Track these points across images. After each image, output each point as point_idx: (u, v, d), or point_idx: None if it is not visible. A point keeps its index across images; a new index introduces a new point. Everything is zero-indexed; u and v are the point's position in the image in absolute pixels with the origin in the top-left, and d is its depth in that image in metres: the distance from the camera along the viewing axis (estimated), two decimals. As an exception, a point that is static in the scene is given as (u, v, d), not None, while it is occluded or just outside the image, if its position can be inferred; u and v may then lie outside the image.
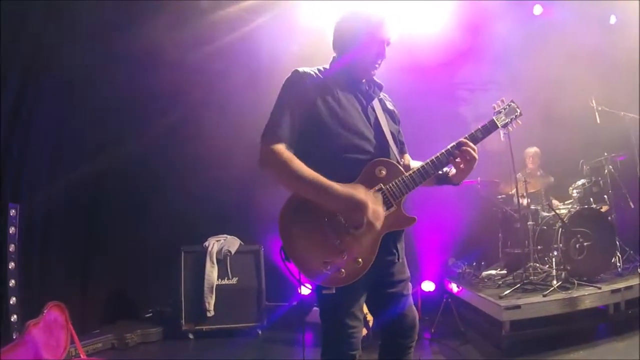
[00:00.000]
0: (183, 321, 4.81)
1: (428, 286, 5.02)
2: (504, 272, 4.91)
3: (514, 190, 5.00)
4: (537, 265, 4.79)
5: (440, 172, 2.08)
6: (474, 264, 5.27)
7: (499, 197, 5.41)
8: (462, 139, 2.02)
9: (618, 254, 4.90)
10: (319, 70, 2.01)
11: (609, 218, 4.88)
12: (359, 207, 1.76)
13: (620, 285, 4.34)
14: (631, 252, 5.19)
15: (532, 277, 4.61)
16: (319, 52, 2.39)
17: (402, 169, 1.98)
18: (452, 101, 6.07)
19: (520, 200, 4.77)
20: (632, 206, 5.17)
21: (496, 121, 2.12)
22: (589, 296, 4.18)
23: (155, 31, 4.64)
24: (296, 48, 5.16)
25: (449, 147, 2.00)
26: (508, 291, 4.26)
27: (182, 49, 4.92)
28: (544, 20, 6.64)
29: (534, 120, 5.57)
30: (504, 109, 2.17)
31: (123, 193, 5.21)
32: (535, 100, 5.65)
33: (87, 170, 4.73)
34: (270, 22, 5.11)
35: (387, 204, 1.89)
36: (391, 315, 2.04)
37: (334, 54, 2.10)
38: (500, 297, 4.16)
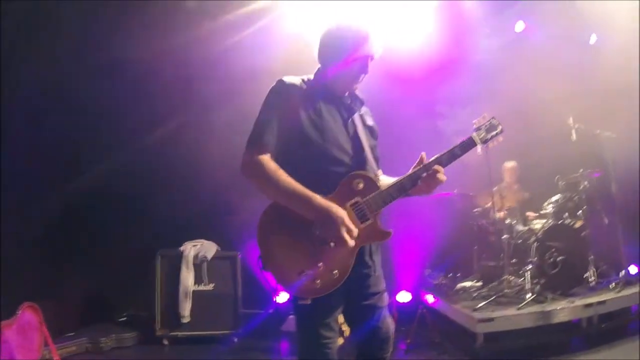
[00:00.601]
0: (158, 326, 4.77)
1: (404, 297, 5.04)
2: (480, 284, 4.98)
3: (490, 204, 5.08)
4: (512, 278, 4.85)
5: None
6: (450, 275, 5.33)
7: (475, 210, 5.50)
8: (435, 163, 2.01)
9: (592, 268, 4.99)
10: (303, 80, 2.05)
11: (583, 234, 4.96)
12: (335, 221, 1.80)
13: (593, 299, 4.41)
14: (605, 267, 5.27)
15: (506, 290, 4.67)
16: (304, 61, 2.39)
17: (379, 182, 2.01)
18: (431, 115, 6.12)
19: (496, 214, 4.86)
20: (606, 222, 5.28)
21: (475, 138, 2.12)
22: (562, 310, 4.25)
23: (137, 39, 4.66)
24: (282, 56, 5.18)
25: (427, 162, 2.02)
26: (482, 303, 4.33)
27: (163, 57, 4.91)
28: (526, 37, 6.79)
29: (512, 136, 5.64)
30: (485, 126, 2.16)
31: (100, 196, 5.15)
32: (513, 116, 5.73)
33: (64, 174, 4.68)
34: (257, 31, 5.12)
35: (363, 217, 1.92)
36: (366, 326, 2.06)
37: (319, 65, 2.13)
38: (475, 310, 4.22)
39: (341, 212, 1.82)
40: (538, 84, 5.98)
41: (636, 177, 5.80)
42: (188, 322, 4.78)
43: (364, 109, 2.23)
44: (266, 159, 1.88)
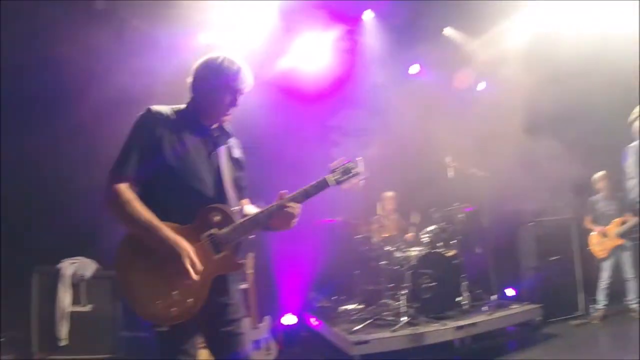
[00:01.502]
0: (34, 349, 4.41)
1: (289, 319, 5.13)
2: (361, 307, 5.19)
3: (370, 231, 5.36)
4: (389, 302, 5.09)
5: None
6: (333, 298, 5.49)
7: (357, 237, 5.70)
8: (290, 200, 2.12)
9: (465, 293, 5.40)
10: (173, 110, 2.13)
11: (455, 261, 5.37)
12: (179, 254, 1.89)
13: (465, 322, 4.76)
14: (477, 291, 5.73)
15: (384, 313, 4.91)
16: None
17: (235, 216, 2.10)
18: (325, 142, 6.33)
19: (377, 242, 5.16)
20: (479, 251, 5.77)
21: (328, 179, 2.22)
22: (434, 332, 4.53)
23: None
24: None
25: (279, 202, 2.12)
26: (359, 326, 4.50)
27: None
28: (419, 78, 7.35)
29: (398, 167, 6.08)
30: (340, 169, 2.27)
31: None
32: (401, 149, 6.19)
33: None
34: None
35: (217, 249, 2.02)
36: (225, 352, 2.13)
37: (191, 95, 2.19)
38: (351, 333, 4.38)
39: (185, 246, 1.91)
40: (424, 122, 6.47)
41: (504, 212, 6.44)
42: (66, 345, 4.47)
43: (232, 141, 2.30)
44: (123, 188, 1.95)
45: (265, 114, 5.79)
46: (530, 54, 6.92)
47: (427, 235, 5.59)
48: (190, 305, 1.94)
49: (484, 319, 4.94)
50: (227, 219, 2.06)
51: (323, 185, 2.23)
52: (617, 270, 5.97)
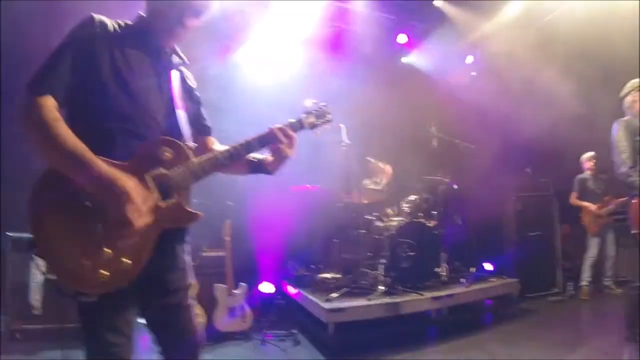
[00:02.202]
0: (8, 319, 4.23)
1: (267, 288, 5.07)
2: (339, 276, 5.15)
3: (351, 199, 5.27)
4: (367, 271, 5.03)
5: (254, 159, 1.99)
6: (312, 266, 5.45)
7: (338, 204, 5.58)
8: (273, 128, 1.93)
9: (444, 264, 5.38)
10: (119, 24, 1.72)
11: (435, 232, 5.32)
12: (118, 195, 1.45)
13: (443, 293, 4.74)
14: (457, 263, 5.73)
15: (362, 282, 4.86)
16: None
17: (191, 154, 1.71)
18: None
19: (357, 210, 5.09)
20: (459, 223, 5.75)
21: (303, 120, 2.07)
22: (411, 302, 4.50)
23: None
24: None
25: (256, 136, 1.89)
26: (334, 295, 4.45)
27: None
28: (407, 49, 7.22)
29: (381, 136, 5.99)
30: (315, 111, 2.12)
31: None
32: (384, 118, 6.10)
33: None
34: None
35: (166, 193, 1.61)
36: (169, 329, 1.81)
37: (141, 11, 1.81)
38: (327, 300, 4.33)
39: (129, 185, 1.47)
40: (410, 93, 6.37)
41: (487, 185, 6.41)
42: (40, 314, 4.30)
43: (186, 71, 1.97)
44: (48, 103, 1.49)
45: (248, 80, 5.69)
46: (522, 27, 6.82)
47: (408, 205, 5.52)
48: (127, 268, 1.51)
49: (461, 290, 4.94)
50: (182, 156, 1.66)
51: (299, 126, 2.06)
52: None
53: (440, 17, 6.83)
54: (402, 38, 7.13)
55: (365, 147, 5.67)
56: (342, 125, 4.74)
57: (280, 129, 1.94)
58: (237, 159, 1.85)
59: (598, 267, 6.12)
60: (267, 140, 1.92)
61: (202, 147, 1.98)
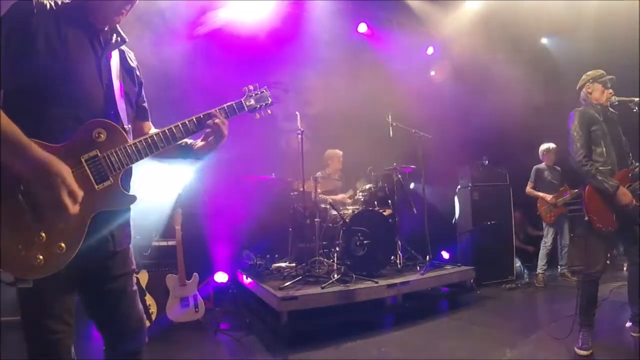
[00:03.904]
0: None
1: (221, 277, 5.01)
2: (294, 264, 5.11)
3: (306, 188, 5.24)
4: (322, 259, 5.03)
5: (185, 143, 1.94)
6: (267, 256, 5.40)
7: (292, 193, 5.61)
8: (211, 111, 1.89)
9: (399, 252, 5.42)
10: (56, 2, 1.66)
11: (390, 220, 5.34)
12: (52, 179, 1.41)
13: (397, 280, 4.74)
14: (413, 251, 5.78)
15: (316, 271, 4.84)
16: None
17: (127, 136, 1.69)
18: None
19: (311, 198, 5.05)
20: (415, 212, 5.79)
21: (244, 103, 2.04)
22: (365, 289, 4.48)
23: None
24: None
25: (193, 117, 1.84)
26: (288, 283, 4.41)
27: None
28: (367, 39, 7.21)
29: (338, 125, 5.97)
30: (255, 95, 2.09)
31: None
32: (342, 107, 6.08)
33: None
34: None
35: (100, 176, 1.58)
36: (111, 316, 1.77)
37: None
38: (280, 289, 4.29)
39: (62, 168, 1.43)
40: (368, 83, 6.37)
41: (443, 174, 6.50)
42: None
43: (127, 50, 1.92)
44: None
45: (202, 67, 5.55)
46: (484, 18, 6.91)
47: (363, 193, 5.53)
48: (61, 253, 1.48)
49: (416, 278, 4.97)
50: (117, 138, 1.63)
51: (239, 109, 2.02)
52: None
53: (401, 7, 6.85)
54: (362, 27, 7.12)
55: (320, 135, 5.65)
56: (297, 113, 4.70)
57: (219, 110, 1.92)
58: (174, 141, 1.79)
59: (553, 256, 6.27)
60: (205, 122, 1.88)
61: (139, 131, 1.93)
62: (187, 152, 1.98)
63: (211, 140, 1.93)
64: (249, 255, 5.47)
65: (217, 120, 1.88)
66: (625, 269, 5.92)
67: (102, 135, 1.60)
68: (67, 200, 1.43)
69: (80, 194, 1.48)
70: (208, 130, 1.90)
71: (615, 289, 5.05)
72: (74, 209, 1.45)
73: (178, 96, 4.67)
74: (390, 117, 5.61)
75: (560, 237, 6.25)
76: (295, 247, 5.23)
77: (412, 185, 5.75)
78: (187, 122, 1.83)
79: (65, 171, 1.44)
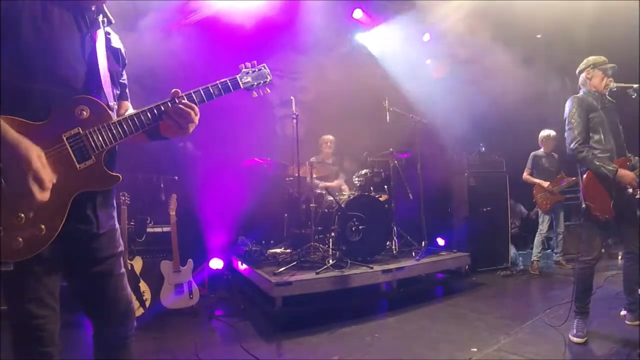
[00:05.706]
0: None
1: (216, 264, 4.98)
2: (289, 250, 5.09)
3: (301, 173, 5.19)
4: (318, 245, 4.99)
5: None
6: (263, 242, 5.36)
7: (287, 179, 5.55)
8: (190, 92, 1.76)
9: (394, 238, 5.39)
10: None
11: (386, 206, 5.31)
12: (21, 164, 1.37)
13: (392, 266, 4.73)
14: (408, 237, 5.76)
15: (311, 256, 4.81)
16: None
17: (111, 113, 1.64)
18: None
19: (307, 184, 5.02)
20: (411, 198, 5.76)
21: (239, 80, 1.90)
22: (360, 275, 4.46)
23: None
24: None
25: (174, 98, 1.72)
26: (283, 268, 4.39)
27: None
28: (363, 24, 7.13)
29: (334, 111, 5.92)
30: (252, 72, 1.97)
31: None
32: (338, 93, 6.01)
33: None
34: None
35: (82, 154, 1.53)
36: (98, 299, 1.71)
37: None
38: (274, 274, 4.26)
39: (30, 153, 1.38)
40: (364, 68, 6.31)
41: (440, 160, 6.47)
42: None
43: (111, 31, 1.86)
44: None
45: (196, 54, 5.48)
46: (481, 6, 6.82)
47: (359, 179, 5.50)
48: (41, 234, 1.44)
49: (411, 264, 4.95)
50: (100, 115, 1.57)
51: (234, 86, 1.88)
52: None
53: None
54: (357, 13, 7.03)
55: (316, 120, 5.60)
56: (292, 98, 4.64)
57: (212, 87, 1.82)
58: (160, 120, 1.71)
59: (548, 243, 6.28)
60: (202, 97, 1.78)
61: (117, 110, 1.86)
62: (154, 134, 1.85)
63: (180, 123, 1.75)
64: (244, 242, 5.43)
65: (180, 105, 1.72)
66: (619, 257, 5.94)
67: (85, 113, 1.54)
68: (34, 187, 1.38)
69: (47, 180, 1.42)
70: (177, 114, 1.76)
71: (609, 278, 5.05)
72: (41, 195, 1.40)
73: (170, 85, 4.60)
74: (387, 101, 5.55)
75: (556, 224, 6.24)
76: (290, 233, 5.19)
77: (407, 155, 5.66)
78: (175, 100, 1.73)
79: (34, 155, 1.39)
